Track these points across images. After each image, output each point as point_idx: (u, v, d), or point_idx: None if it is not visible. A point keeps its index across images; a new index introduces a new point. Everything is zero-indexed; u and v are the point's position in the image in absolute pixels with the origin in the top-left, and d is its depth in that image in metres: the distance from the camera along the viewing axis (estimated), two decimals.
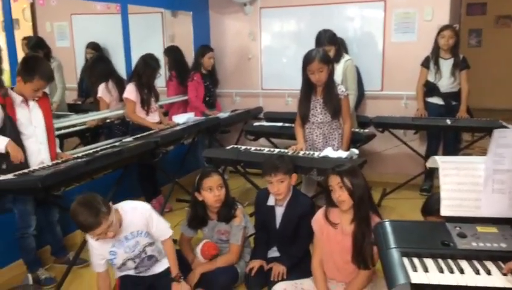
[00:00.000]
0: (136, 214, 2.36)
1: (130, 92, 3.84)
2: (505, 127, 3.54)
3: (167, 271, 2.49)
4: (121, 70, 4.17)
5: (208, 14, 5.34)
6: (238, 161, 3.20)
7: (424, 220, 2.40)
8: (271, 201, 2.77)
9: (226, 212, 2.64)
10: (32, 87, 2.70)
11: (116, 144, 3.28)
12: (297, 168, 2.84)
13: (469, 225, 1.59)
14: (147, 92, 3.91)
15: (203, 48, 4.68)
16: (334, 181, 2.24)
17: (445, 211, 1.63)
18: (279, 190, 2.65)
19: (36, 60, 2.83)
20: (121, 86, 3.97)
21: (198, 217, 2.72)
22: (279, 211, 2.75)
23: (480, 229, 1.58)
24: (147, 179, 4.04)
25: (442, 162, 1.68)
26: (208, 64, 4.63)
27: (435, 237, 1.55)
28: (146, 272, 2.52)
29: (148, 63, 3.90)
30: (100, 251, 2.34)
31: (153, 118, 3.98)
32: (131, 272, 2.49)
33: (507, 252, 1.45)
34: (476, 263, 1.44)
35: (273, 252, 2.81)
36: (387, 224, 1.64)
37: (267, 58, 5.24)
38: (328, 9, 4.82)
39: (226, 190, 2.66)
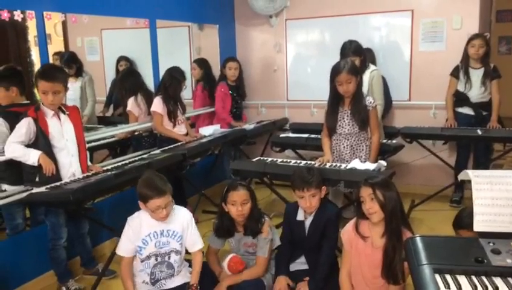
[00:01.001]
0: (180, 213, 2.53)
1: (157, 105, 3.90)
2: None
3: (182, 287, 2.51)
4: (149, 83, 4.25)
5: (234, 27, 5.40)
6: (265, 173, 3.20)
7: (456, 234, 2.35)
8: (300, 216, 2.73)
9: (253, 226, 2.63)
10: (40, 91, 2.74)
11: (144, 156, 3.33)
12: (324, 180, 2.80)
13: (503, 241, 1.54)
14: (173, 104, 3.97)
15: (225, 59, 4.73)
16: (366, 192, 2.21)
17: (478, 226, 1.58)
18: (311, 204, 2.61)
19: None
20: (149, 99, 4.03)
21: (224, 228, 2.73)
22: (308, 222, 2.73)
23: None
24: (174, 191, 4.06)
25: (475, 176, 1.64)
26: (230, 75, 4.64)
27: (468, 253, 1.51)
28: (159, 285, 2.51)
29: (174, 75, 3.97)
30: (135, 236, 2.41)
31: (180, 129, 4.02)
32: (146, 279, 2.48)
33: None
34: (511, 280, 1.39)
35: (300, 265, 2.78)
36: (418, 239, 1.60)
37: (292, 69, 5.25)
38: (354, 19, 4.80)
39: (253, 203, 2.65)
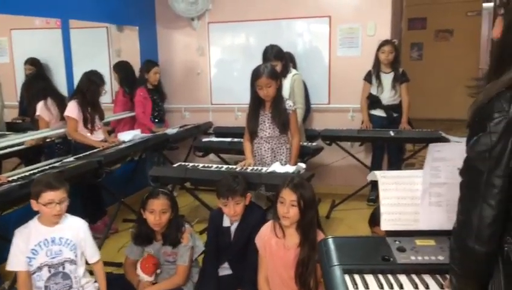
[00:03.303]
0: (74, 222, 2.42)
1: (72, 110, 3.70)
2: (444, 137, 3.69)
3: None
4: (63, 87, 4.02)
5: (155, 29, 5.28)
6: (186, 179, 3.14)
7: (371, 231, 2.45)
8: (226, 222, 2.70)
9: (172, 235, 2.56)
10: None
11: (56, 164, 3.13)
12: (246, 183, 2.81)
13: (408, 239, 1.61)
14: (91, 110, 3.79)
15: (148, 63, 4.61)
16: (288, 197, 2.24)
17: (385, 225, 1.65)
18: (235, 212, 2.60)
19: None
20: (61, 103, 3.81)
21: (143, 236, 2.64)
22: (234, 228, 2.71)
23: (419, 242, 1.60)
24: (91, 199, 3.89)
25: (382, 177, 1.71)
26: (153, 80, 4.56)
27: (376, 252, 1.57)
28: None
29: (92, 79, 3.79)
30: (23, 247, 2.29)
31: (97, 136, 3.85)
32: None
33: (444, 264, 1.48)
34: (414, 277, 1.46)
35: (225, 270, 2.76)
36: (330, 241, 1.64)
37: (216, 72, 5.22)
38: (277, 24, 4.88)
39: (173, 212, 2.59)
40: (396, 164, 4.47)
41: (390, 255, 1.54)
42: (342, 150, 4.47)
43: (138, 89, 4.50)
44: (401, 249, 1.57)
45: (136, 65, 4.87)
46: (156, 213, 2.50)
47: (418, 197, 1.67)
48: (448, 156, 1.63)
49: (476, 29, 7.49)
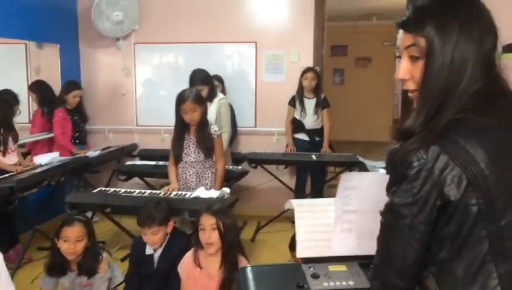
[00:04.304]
0: None
1: None
2: (360, 161, 3.90)
3: None
4: None
5: (78, 48, 5.10)
6: (106, 205, 3.04)
7: (291, 254, 2.51)
8: (149, 250, 2.65)
9: (88, 265, 2.45)
10: None
11: None
12: (170, 210, 2.78)
13: (322, 265, 1.67)
14: (4, 131, 3.56)
15: (69, 85, 4.44)
16: (207, 221, 2.24)
17: (300, 252, 1.71)
18: (153, 241, 2.57)
19: None
20: None
21: (56, 266, 2.50)
22: (157, 255, 2.66)
23: (331, 268, 1.67)
24: (1, 227, 3.62)
25: (298, 205, 1.77)
26: (72, 102, 4.39)
27: (292, 280, 1.61)
28: None
29: (5, 99, 3.58)
30: None
31: (10, 159, 3.62)
32: None
33: (355, 289, 1.56)
34: None
35: None
36: (248, 270, 1.66)
37: (142, 93, 5.14)
38: (205, 47, 4.92)
39: (90, 240, 2.48)
40: (318, 186, 4.64)
41: (304, 282, 1.59)
42: (267, 173, 4.56)
43: (57, 109, 4.31)
44: (315, 276, 1.62)
45: (57, 84, 4.67)
46: (71, 241, 2.40)
47: (331, 225, 1.75)
48: (359, 185, 1.73)
49: (392, 58, 8.06)
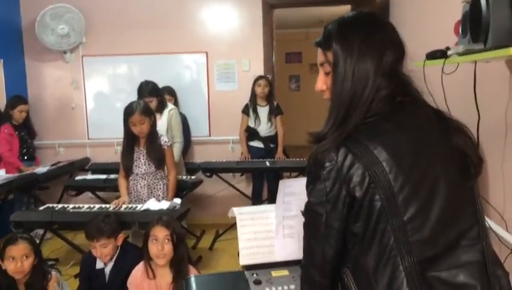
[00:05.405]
0: None
1: None
2: None
3: None
4: None
5: (23, 62, 4.96)
6: (52, 223, 2.96)
7: None
8: (99, 264, 2.62)
9: (37, 284, 2.39)
10: None
11: None
12: (121, 223, 2.75)
13: (264, 271, 1.71)
14: None
15: (14, 100, 4.31)
16: (161, 233, 2.24)
17: (243, 260, 1.74)
18: (102, 254, 2.55)
19: None
20: None
21: (3, 288, 2.42)
22: (108, 269, 2.62)
23: (274, 273, 1.70)
24: None
25: (239, 213, 1.80)
26: (18, 117, 4.27)
27: (235, 287, 1.64)
28: None
29: None
30: None
31: None
32: None
33: None
34: None
35: None
36: (192, 280, 1.68)
37: (93, 106, 5.06)
38: (156, 58, 4.90)
39: (37, 257, 2.42)
40: (275, 191, 4.66)
41: (247, 289, 1.62)
42: (223, 181, 4.58)
43: (2, 125, 4.17)
44: (257, 282, 1.65)
45: (1, 100, 4.52)
46: (17, 259, 2.33)
47: (272, 231, 1.79)
48: (298, 191, 1.78)
49: None
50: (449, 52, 1.88)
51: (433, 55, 1.88)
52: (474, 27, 1.67)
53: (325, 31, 1.18)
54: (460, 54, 1.78)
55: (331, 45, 1.14)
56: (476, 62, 1.96)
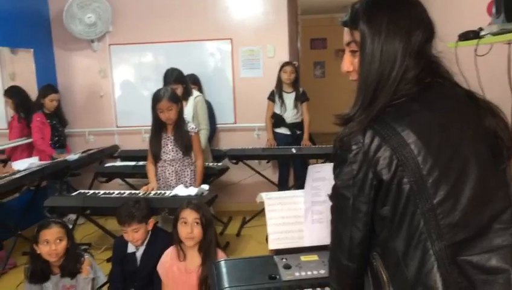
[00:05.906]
0: None
1: None
2: None
3: None
4: None
5: (52, 51, 5.07)
6: (85, 208, 3.04)
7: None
8: (131, 248, 2.68)
9: (71, 266, 2.47)
10: None
11: None
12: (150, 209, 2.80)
13: (294, 256, 1.71)
14: None
15: (46, 89, 4.42)
16: (190, 216, 2.27)
17: (272, 244, 1.75)
18: (134, 239, 2.60)
19: None
20: None
21: (38, 272, 2.51)
22: (139, 253, 2.68)
23: (303, 258, 1.71)
24: None
25: (268, 198, 1.81)
26: (50, 106, 4.37)
27: (264, 271, 1.65)
28: None
29: None
30: None
31: None
32: None
33: (325, 277, 1.59)
34: None
35: None
36: (222, 263, 1.70)
37: (120, 94, 5.13)
38: (181, 46, 4.91)
39: (70, 241, 2.50)
40: (301, 178, 4.67)
41: (276, 273, 1.63)
42: (250, 168, 4.59)
43: (35, 114, 4.28)
44: (287, 267, 1.66)
45: (33, 88, 4.63)
46: (51, 243, 2.41)
47: (301, 216, 1.79)
48: (327, 176, 1.76)
49: None
50: (482, 33, 1.82)
51: (465, 36, 1.82)
52: (509, 6, 1.62)
53: (352, 10, 1.14)
54: (494, 34, 1.73)
55: (358, 24, 1.11)
56: (510, 43, 1.90)
